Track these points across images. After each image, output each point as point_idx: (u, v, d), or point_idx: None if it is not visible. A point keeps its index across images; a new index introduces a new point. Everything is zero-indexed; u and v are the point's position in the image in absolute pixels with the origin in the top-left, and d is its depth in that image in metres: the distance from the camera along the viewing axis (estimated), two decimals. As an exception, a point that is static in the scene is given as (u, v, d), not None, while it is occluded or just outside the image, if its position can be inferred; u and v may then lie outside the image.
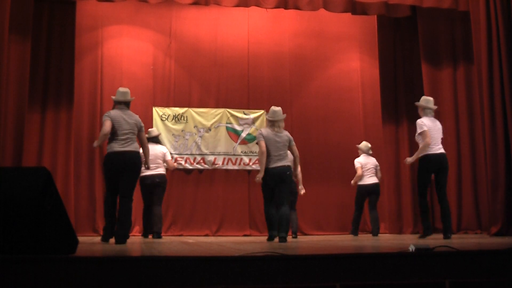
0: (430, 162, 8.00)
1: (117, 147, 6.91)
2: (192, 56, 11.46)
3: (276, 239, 7.37)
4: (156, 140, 9.51)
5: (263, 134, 7.49)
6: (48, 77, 10.27)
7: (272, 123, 7.58)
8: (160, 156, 9.31)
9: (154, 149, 9.14)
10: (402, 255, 3.95)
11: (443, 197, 8.03)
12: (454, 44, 10.81)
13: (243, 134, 11.32)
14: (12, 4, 8.38)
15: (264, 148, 7.43)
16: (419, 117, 8.46)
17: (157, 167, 9.20)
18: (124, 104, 7.19)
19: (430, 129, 7.99)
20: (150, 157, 8.36)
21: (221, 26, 11.63)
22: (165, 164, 9.41)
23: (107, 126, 6.89)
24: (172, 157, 10.28)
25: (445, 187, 8.12)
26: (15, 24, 8.61)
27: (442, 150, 8.06)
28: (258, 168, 8.06)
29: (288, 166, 7.55)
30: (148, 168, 7.71)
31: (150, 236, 9.26)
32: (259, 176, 7.49)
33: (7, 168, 6.06)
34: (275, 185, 7.44)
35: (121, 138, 6.93)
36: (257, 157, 10.48)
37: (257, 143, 7.71)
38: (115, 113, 7.06)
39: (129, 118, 7.08)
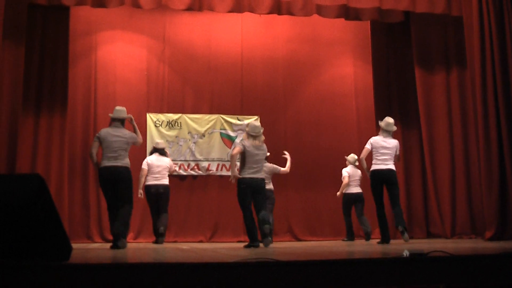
0: (378, 176, 8.59)
1: (106, 162, 7.52)
2: (186, 61, 11.46)
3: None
4: (163, 152, 10.00)
5: (246, 145, 7.78)
6: (42, 82, 10.24)
7: (253, 137, 7.85)
8: (166, 167, 9.84)
9: (162, 161, 9.84)
10: (396, 260, 3.95)
11: (394, 205, 8.61)
12: (447, 49, 10.86)
13: (237, 140, 11.31)
14: (6, 10, 8.36)
15: (235, 152, 7.78)
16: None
17: (162, 178, 9.76)
18: (119, 121, 7.76)
19: (380, 147, 8.64)
20: (158, 168, 9.70)
21: (214, 32, 11.63)
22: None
23: (93, 148, 7.63)
24: None
25: (397, 197, 8.64)
26: (8, 30, 8.59)
27: (390, 167, 8.63)
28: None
29: (263, 179, 7.95)
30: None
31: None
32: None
33: (0, 175, 6.05)
34: (251, 195, 7.79)
35: (110, 155, 7.54)
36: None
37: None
38: (105, 132, 7.67)
39: (120, 135, 7.66)
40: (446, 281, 3.73)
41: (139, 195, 9.50)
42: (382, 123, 8.90)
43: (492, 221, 8.67)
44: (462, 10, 9.50)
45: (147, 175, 9.66)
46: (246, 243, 7.87)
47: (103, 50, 11.15)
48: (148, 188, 9.65)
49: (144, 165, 9.70)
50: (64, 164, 10.21)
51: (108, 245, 8.07)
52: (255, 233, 7.73)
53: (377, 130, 11.13)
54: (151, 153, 10.02)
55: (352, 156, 10.74)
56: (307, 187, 11.39)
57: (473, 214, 10.17)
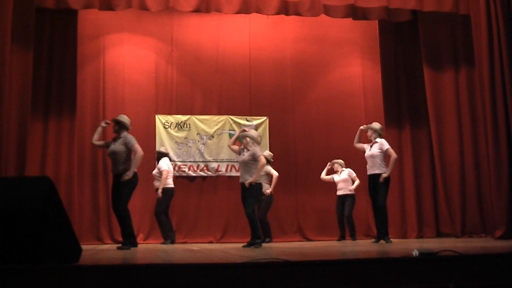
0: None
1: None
2: (194, 63, 11.48)
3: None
4: (170, 157, 10.41)
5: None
6: (51, 86, 10.26)
7: (259, 145, 8.16)
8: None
9: (170, 165, 10.20)
10: (406, 260, 3.95)
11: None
12: (456, 47, 10.82)
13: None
14: (14, 14, 8.40)
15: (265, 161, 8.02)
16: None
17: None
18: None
19: None
20: (169, 172, 9.97)
21: (222, 33, 11.64)
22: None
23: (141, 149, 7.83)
24: (175, 165, 10.75)
25: None
26: (17, 34, 8.63)
27: None
28: None
29: None
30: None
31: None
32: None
33: (10, 178, 6.08)
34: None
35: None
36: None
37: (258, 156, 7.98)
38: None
39: None
40: (456, 280, 3.72)
41: (160, 195, 9.75)
42: (379, 129, 9.02)
43: (502, 220, 8.64)
44: (470, 9, 9.48)
45: (167, 177, 9.86)
46: (256, 241, 7.91)
47: (111, 53, 11.18)
48: (172, 191, 9.99)
49: (168, 167, 9.91)
50: (73, 167, 10.23)
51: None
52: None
53: (386, 130, 11.18)
54: (159, 158, 10.06)
55: (342, 161, 10.86)
56: (316, 187, 11.36)
57: (483, 213, 10.13)
